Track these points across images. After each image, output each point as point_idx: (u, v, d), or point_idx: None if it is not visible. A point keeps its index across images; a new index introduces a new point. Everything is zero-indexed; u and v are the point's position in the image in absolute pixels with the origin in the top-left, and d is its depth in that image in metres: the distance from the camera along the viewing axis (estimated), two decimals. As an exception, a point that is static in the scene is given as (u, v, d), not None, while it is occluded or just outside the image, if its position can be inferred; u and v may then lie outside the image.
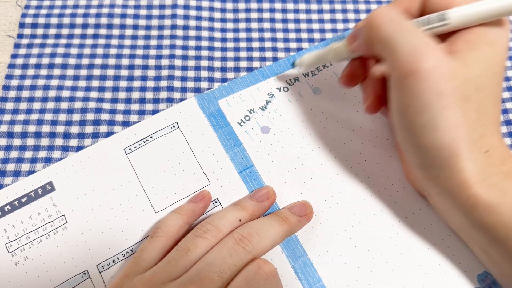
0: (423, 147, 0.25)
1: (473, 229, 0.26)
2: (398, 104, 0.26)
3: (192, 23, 0.39)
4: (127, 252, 0.30)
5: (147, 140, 0.33)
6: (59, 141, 0.34)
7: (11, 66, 0.37)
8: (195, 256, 0.27)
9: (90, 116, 0.35)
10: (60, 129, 0.34)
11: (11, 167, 0.33)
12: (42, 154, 0.33)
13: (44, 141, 0.34)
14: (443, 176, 0.26)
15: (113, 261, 0.30)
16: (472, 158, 0.24)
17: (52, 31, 0.39)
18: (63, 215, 0.31)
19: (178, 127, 0.34)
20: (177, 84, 0.36)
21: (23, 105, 0.35)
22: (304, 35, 0.39)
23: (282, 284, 0.27)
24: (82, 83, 0.36)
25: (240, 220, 0.29)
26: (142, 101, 0.36)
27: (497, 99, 0.26)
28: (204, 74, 0.37)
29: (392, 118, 0.27)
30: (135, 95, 0.36)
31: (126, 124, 0.35)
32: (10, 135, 0.34)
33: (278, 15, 0.40)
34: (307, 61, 0.34)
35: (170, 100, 0.36)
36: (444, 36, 0.26)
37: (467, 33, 0.25)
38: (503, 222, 0.24)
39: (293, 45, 0.39)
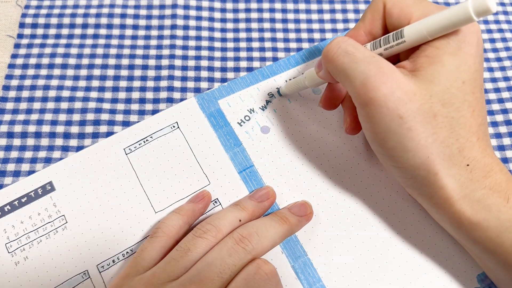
0: (400, 168, 0.26)
1: (464, 241, 0.27)
2: (366, 131, 0.26)
3: (192, 23, 0.39)
4: (127, 252, 0.30)
5: (147, 140, 0.33)
6: (59, 141, 0.34)
7: (11, 66, 0.37)
8: (195, 256, 0.27)
9: (90, 116, 0.35)
10: (60, 129, 0.34)
11: (11, 167, 0.33)
12: (42, 154, 0.33)
13: (44, 141, 0.34)
14: (427, 193, 0.26)
15: (113, 261, 0.30)
16: (452, 174, 0.24)
17: (52, 31, 0.39)
18: (63, 215, 0.31)
19: (178, 127, 0.34)
20: (177, 84, 0.36)
21: (23, 105, 0.35)
22: (304, 35, 0.39)
23: (282, 284, 0.27)
24: (82, 83, 0.36)
25: (240, 220, 0.29)
26: (142, 101, 0.36)
27: (474, 107, 0.25)
28: (204, 74, 0.37)
29: (369, 143, 0.28)
30: (135, 95, 0.36)
31: (126, 124, 0.35)
32: (10, 135, 0.34)
33: (278, 15, 0.40)
34: (286, 90, 0.34)
35: (170, 100, 0.36)
36: (408, 53, 0.26)
37: (427, 48, 0.25)
38: (490, 237, 0.24)
39: (293, 45, 0.39)
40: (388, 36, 0.26)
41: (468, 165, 0.24)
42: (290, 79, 0.35)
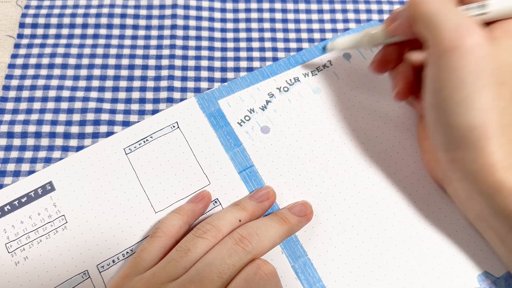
0: (454, 127, 0.25)
1: (493, 216, 0.26)
2: (435, 81, 0.26)
3: (192, 23, 0.39)
4: (127, 252, 0.30)
5: (147, 140, 0.33)
6: (59, 141, 0.34)
7: (11, 66, 0.37)
8: (194, 257, 0.27)
9: (90, 116, 0.35)
10: (60, 129, 0.34)
11: (11, 167, 0.33)
12: (42, 154, 0.33)
13: (44, 141, 0.34)
14: (469, 158, 0.25)
15: (113, 261, 0.30)
16: (502, 143, 0.24)
17: (52, 31, 0.39)
18: (63, 215, 0.31)
19: (178, 127, 0.34)
20: (177, 84, 0.36)
21: (23, 105, 0.35)
22: (304, 35, 0.39)
23: (282, 284, 0.27)
24: (82, 83, 0.36)
25: (240, 220, 0.29)
26: (142, 101, 0.36)
27: None
28: (204, 74, 0.37)
29: (425, 98, 0.27)
30: (135, 95, 0.36)
31: (126, 124, 0.35)
32: (10, 135, 0.34)
33: (278, 15, 0.40)
34: (341, 44, 0.34)
35: (170, 100, 0.36)
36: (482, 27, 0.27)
37: (506, 23, 0.26)
38: None
39: (293, 45, 0.39)
40: (470, 6, 0.26)
41: None
42: (344, 35, 0.35)
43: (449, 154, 0.27)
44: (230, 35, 0.39)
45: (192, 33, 0.39)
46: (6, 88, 0.36)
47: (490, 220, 0.27)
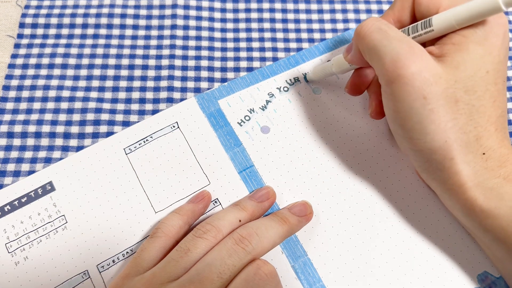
0: (417, 151, 0.26)
1: (475, 229, 0.27)
2: (388, 110, 0.27)
3: (192, 23, 0.39)
4: (127, 252, 0.30)
5: (147, 140, 0.33)
6: (59, 141, 0.34)
7: (11, 66, 0.37)
8: (194, 257, 0.27)
9: (90, 116, 0.35)
10: (60, 129, 0.34)
11: (11, 167, 0.33)
12: (42, 154, 0.33)
13: (44, 141, 0.34)
14: (441, 178, 0.26)
15: (113, 261, 0.30)
16: (467, 160, 0.25)
17: (52, 31, 0.39)
18: (63, 215, 0.31)
19: (178, 127, 0.34)
20: (177, 84, 0.36)
21: (23, 105, 0.35)
22: (304, 35, 0.39)
23: (282, 285, 0.27)
24: (82, 83, 0.36)
25: (240, 221, 0.29)
26: (142, 101, 0.36)
27: (495, 98, 0.25)
28: (204, 74, 0.37)
29: (388, 123, 0.28)
30: (135, 95, 0.36)
31: (126, 124, 0.35)
32: (10, 135, 0.34)
33: (278, 15, 0.40)
34: (313, 76, 0.35)
35: (170, 100, 0.36)
36: (434, 42, 0.27)
37: (454, 36, 0.25)
38: (501, 226, 0.24)
39: (293, 45, 0.39)
40: (416, 25, 0.27)
41: (484, 153, 0.25)
42: (316, 66, 0.36)
43: (424, 174, 0.27)
44: (230, 35, 0.39)
45: (192, 33, 0.39)
46: (6, 88, 0.36)
47: (473, 231, 0.28)
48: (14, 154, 0.33)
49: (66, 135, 0.34)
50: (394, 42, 0.25)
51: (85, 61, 0.37)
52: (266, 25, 0.40)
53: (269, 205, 0.31)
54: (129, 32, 0.39)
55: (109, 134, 0.34)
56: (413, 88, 0.24)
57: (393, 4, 0.29)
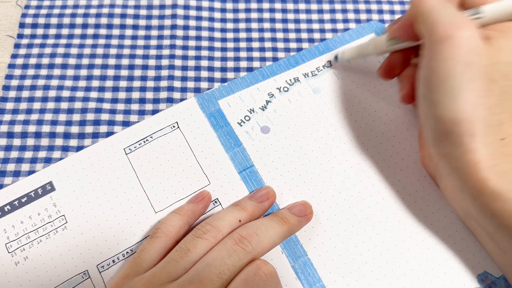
0: (440, 119, 0.25)
1: (480, 215, 0.26)
2: (425, 71, 0.26)
3: (192, 23, 0.39)
4: (127, 252, 0.30)
5: (147, 140, 0.33)
6: (59, 141, 0.34)
7: (11, 66, 0.37)
8: (194, 257, 0.27)
9: (90, 116, 0.35)
10: (60, 129, 0.34)
11: (11, 167, 0.33)
12: (42, 154, 0.33)
13: (44, 141, 0.34)
14: (455, 154, 0.25)
15: (113, 261, 0.30)
16: (487, 142, 0.24)
17: (52, 31, 0.39)
18: (63, 215, 0.31)
19: (178, 127, 0.34)
20: (177, 84, 0.36)
21: (23, 105, 0.35)
22: (304, 35, 0.39)
23: (282, 285, 0.27)
24: (82, 83, 0.36)
25: (239, 221, 0.29)
26: (142, 101, 0.36)
27: None
28: (204, 74, 0.37)
29: (417, 90, 0.28)
30: (135, 95, 0.36)
31: (126, 124, 0.35)
32: (10, 135, 0.34)
33: (278, 15, 0.40)
34: (349, 54, 0.35)
35: (170, 100, 0.36)
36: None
37: (500, 24, 0.26)
38: (510, 210, 0.24)
39: (293, 45, 0.39)
40: (464, 12, 0.27)
41: (503, 139, 0.25)
42: (352, 45, 0.36)
43: (437, 148, 0.27)
44: (230, 35, 0.39)
45: (192, 33, 0.39)
46: (6, 88, 0.36)
47: (477, 218, 0.27)
48: (14, 154, 0.33)
49: (66, 135, 0.34)
50: (450, 9, 0.26)
51: (85, 61, 0.37)
52: (266, 25, 0.40)
53: (269, 205, 0.31)
54: (129, 32, 0.39)
55: (109, 134, 0.34)
56: (461, 50, 0.24)
57: None
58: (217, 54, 0.38)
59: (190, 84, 0.37)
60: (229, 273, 0.26)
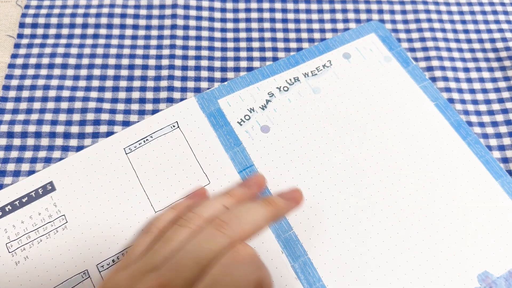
0: None
1: None
2: None
3: (192, 23, 0.39)
4: (126, 252, 0.30)
5: (147, 139, 0.33)
6: (59, 141, 0.34)
7: (11, 66, 0.37)
8: (175, 245, 0.26)
9: (90, 116, 0.35)
10: (60, 129, 0.34)
11: (11, 167, 0.33)
12: (42, 154, 0.33)
13: (44, 141, 0.34)
14: None
15: (113, 260, 0.30)
16: None
17: (52, 31, 0.39)
18: (63, 215, 0.31)
19: (178, 127, 0.34)
20: (177, 84, 0.36)
21: (23, 105, 0.35)
22: (304, 35, 0.39)
23: (282, 284, 0.27)
24: (82, 83, 0.36)
25: (225, 206, 0.28)
26: (142, 101, 0.36)
27: None
28: (204, 74, 0.37)
29: None
30: (135, 95, 0.36)
31: (126, 124, 0.35)
32: (10, 135, 0.34)
33: (278, 15, 0.40)
34: None
35: (170, 100, 0.36)
36: None
37: None
38: None
39: (293, 45, 0.39)
40: None
41: None
42: None
43: None
44: (230, 35, 0.39)
45: (192, 33, 0.39)
46: (6, 88, 0.36)
47: None
48: (14, 154, 0.33)
49: (66, 135, 0.34)
50: None
51: (85, 61, 0.37)
52: (266, 25, 0.40)
53: (257, 189, 0.30)
54: (129, 32, 0.39)
55: (109, 134, 0.34)
56: None
57: None
58: (217, 54, 0.38)
59: (190, 84, 0.37)
60: (206, 257, 0.25)
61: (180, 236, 0.27)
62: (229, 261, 0.25)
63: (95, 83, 0.36)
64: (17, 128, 0.34)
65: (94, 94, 0.36)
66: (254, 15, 0.40)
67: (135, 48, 0.38)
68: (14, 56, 0.37)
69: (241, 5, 0.41)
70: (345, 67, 0.36)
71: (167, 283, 0.24)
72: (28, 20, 0.39)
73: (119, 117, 0.35)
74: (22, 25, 0.39)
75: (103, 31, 0.39)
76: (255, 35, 0.39)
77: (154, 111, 0.35)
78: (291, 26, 0.40)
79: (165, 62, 0.37)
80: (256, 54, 0.38)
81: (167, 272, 0.25)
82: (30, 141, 0.34)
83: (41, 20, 0.39)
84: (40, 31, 0.38)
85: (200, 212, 0.28)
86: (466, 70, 0.38)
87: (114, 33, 0.39)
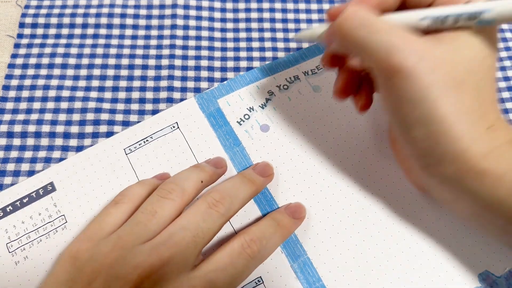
0: (420, 140, 0.24)
1: (486, 211, 0.25)
2: (389, 103, 0.25)
3: (192, 23, 0.39)
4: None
5: (147, 140, 0.33)
6: (59, 141, 0.34)
7: (11, 66, 0.37)
8: (163, 219, 0.26)
9: (90, 116, 0.35)
10: (60, 129, 0.34)
11: (11, 167, 0.33)
12: (42, 154, 0.33)
13: (44, 141, 0.34)
14: (446, 161, 0.24)
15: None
16: (476, 136, 0.23)
17: (52, 31, 0.39)
18: (63, 215, 0.31)
19: (178, 128, 0.34)
20: (177, 84, 0.36)
21: (23, 105, 0.35)
22: (304, 35, 0.39)
23: (282, 285, 0.27)
24: (82, 83, 0.36)
25: (202, 182, 0.29)
26: (142, 101, 0.36)
27: (492, 81, 0.25)
28: (204, 74, 0.37)
29: (387, 115, 0.27)
30: (135, 95, 0.36)
31: (126, 124, 0.35)
32: (10, 135, 0.34)
33: (278, 15, 0.40)
34: (301, 37, 0.32)
35: (170, 100, 0.36)
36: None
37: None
38: None
39: (293, 45, 0.39)
40: (457, 17, 0.24)
41: (491, 126, 0.24)
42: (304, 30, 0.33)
43: (423, 162, 0.26)
44: (230, 35, 0.39)
45: (192, 33, 0.39)
46: (6, 88, 0.36)
47: (484, 215, 0.25)
48: (14, 154, 0.33)
49: (66, 135, 0.34)
50: (384, 35, 0.24)
51: (85, 61, 0.37)
52: (266, 25, 0.40)
53: (222, 172, 0.32)
54: (129, 32, 0.39)
55: (109, 134, 0.34)
56: (416, 78, 0.23)
57: None
58: (217, 54, 0.38)
59: (190, 84, 0.37)
60: (204, 237, 0.26)
61: (166, 209, 0.27)
62: (237, 252, 0.26)
63: (95, 83, 0.36)
64: (17, 128, 0.34)
65: (94, 94, 0.36)
66: (254, 15, 0.40)
67: (135, 48, 0.38)
68: (14, 56, 0.37)
69: (241, 5, 0.41)
70: (345, 66, 0.36)
71: (168, 260, 0.24)
72: (28, 20, 0.39)
73: (119, 117, 0.35)
74: (22, 25, 0.39)
75: (103, 31, 0.39)
76: (255, 35, 0.39)
77: (154, 111, 0.35)
78: (291, 26, 0.40)
79: (165, 62, 0.37)
80: (256, 54, 0.38)
81: (163, 247, 0.25)
82: (30, 141, 0.34)
83: (41, 20, 0.39)
84: (40, 31, 0.39)
85: (181, 184, 0.28)
86: (467, 69, 0.38)
87: (114, 33, 0.39)
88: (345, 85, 0.29)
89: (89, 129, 0.34)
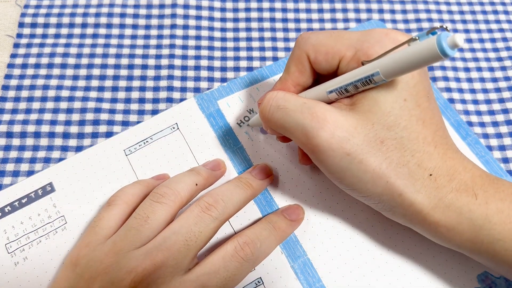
0: (366, 197, 0.26)
1: (453, 247, 0.26)
2: (324, 171, 0.27)
3: (192, 22, 0.39)
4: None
5: (147, 141, 0.33)
6: (58, 141, 0.34)
7: (11, 65, 0.37)
8: (155, 224, 0.26)
9: (89, 116, 0.35)
10: (59, 129, 0.34)
11: (10, 167, 0.33)
12: (41, 154, 0.33)
13: (44, 141, 0.34)
14: (399, 213, 0.25)
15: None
16: (417, 189, 0.24)
17: (52, 31, 0.38)
18: (63, 216, 0.31)
19: (178, 128, 0.34)
20: (176, 83, 0.36)
21: (22, 105, 0.35)
22: (304, 35, 0.39)
23: (282, 285, 0.27)
24: (81, 83, 0.36)
25: (196, 184, 0.29)
26: (141, 101, 0.36)
27: (423, 119, 0.24)
28: (204, 73, 0.37)
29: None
30: (135, 95, 0.36)
31: (125, 124, 0.35)
32: (9, 135, 0.34)
33: (278, 15, 0.40)
34: (251, 123, 0.33)
35: (169, 100, 0.36)
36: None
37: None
38: (469, 239, 0.24)
39: (293, 44, 0.39)
40: (355, 84, 0.24)
41: (431, 175, 0.24)
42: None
43: (383, 213, 0.27)
44: (230, 34, 0.39)
45: (192, 32, 0.39)
46: (5, 87, 0.36)
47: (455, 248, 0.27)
48: (13, 154, 0.33)
49: (66, 135, 0.34)
50: (296, 116, 0.25)
51: (85, 60, 0.37)
52: (266, 24, 0.40)
53: (221, 174, 0.32)
54: (128, 31, 0.39)
55: (108, 134, 0.34)
56: (333, 151, 0.24)
57: (287, 68, 0.28)
58: (217, 53, 0.38)
59: (190, 84, 0.37)
60: (196, 240, 0.26)
61: (158, 214, 0.27)
62: (230, 254, 0.26)
63: (95, 83, 0.36)
64: (16, 128, 0.34)
65: (93, 94, 0.36)
66: (254, 14, 0.40)
67: (134, 48, 0.38)
68: (13, 55, 0.37)
69: (241, 5, 0.41)
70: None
71: (160, 264, 0.25)
72: (28, 19, 0.39)
73: (119, 117, 0.35)
74: (21, 25, 0.39)
75: (102, 31, 0.39)
76: (255, 34, 0.39)
77: (153, 111, 0.35)
78: (291, 26, 0.40)
79: (164, 61, 0.37)
80: (256, 54, 0.38)
81: (156, 252, 0.25)
82: (29, 141, 0.34)
83: (41, 20, 0.39)
84: (39, 30, 0.38)
85: (174, 187, 0.28)
86: (467, 70, 0.38)
87: (113, 33, 0.39)
88: (304, 155, 0.30)
89: (88, 129, 0.34)
